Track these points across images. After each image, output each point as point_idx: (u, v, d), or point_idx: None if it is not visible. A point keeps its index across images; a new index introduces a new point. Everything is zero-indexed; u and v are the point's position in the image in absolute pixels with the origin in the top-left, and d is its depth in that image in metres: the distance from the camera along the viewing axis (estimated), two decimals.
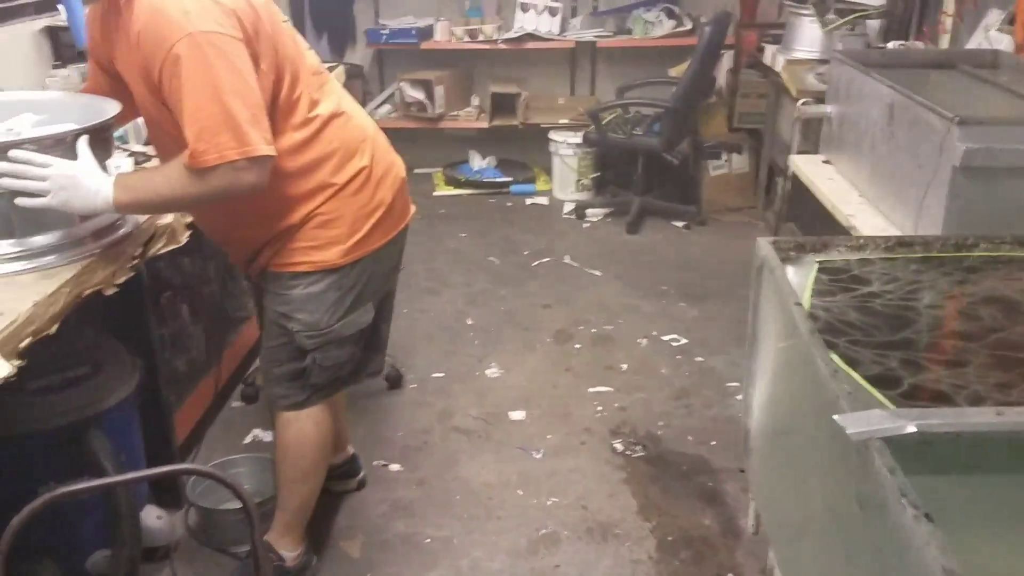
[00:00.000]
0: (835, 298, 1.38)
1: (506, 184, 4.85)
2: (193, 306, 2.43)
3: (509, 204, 4.67)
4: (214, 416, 2.57)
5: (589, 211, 4.50)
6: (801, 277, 1.48)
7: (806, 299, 1.38)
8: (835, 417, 0.97)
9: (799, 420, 1.27)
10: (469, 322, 3.30)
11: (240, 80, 1.48)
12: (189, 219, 1.87)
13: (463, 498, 2.28)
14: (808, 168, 2.73)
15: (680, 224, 4.34)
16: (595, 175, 4.72)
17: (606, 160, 4.74)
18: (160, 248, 1.78)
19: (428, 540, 2.13)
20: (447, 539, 2.13)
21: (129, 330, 2.00)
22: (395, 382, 2.81)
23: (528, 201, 4.73)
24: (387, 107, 4.99)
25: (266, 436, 2.52)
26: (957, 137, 1.84)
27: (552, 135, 4.67)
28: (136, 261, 1.72)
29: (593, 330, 3.23)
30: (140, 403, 1.98)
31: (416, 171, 5.12)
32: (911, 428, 0.94)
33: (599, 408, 2.72)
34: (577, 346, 3.12)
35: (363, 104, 5.00)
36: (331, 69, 3.86)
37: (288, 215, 1.72)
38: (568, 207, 4.57)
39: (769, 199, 4.24)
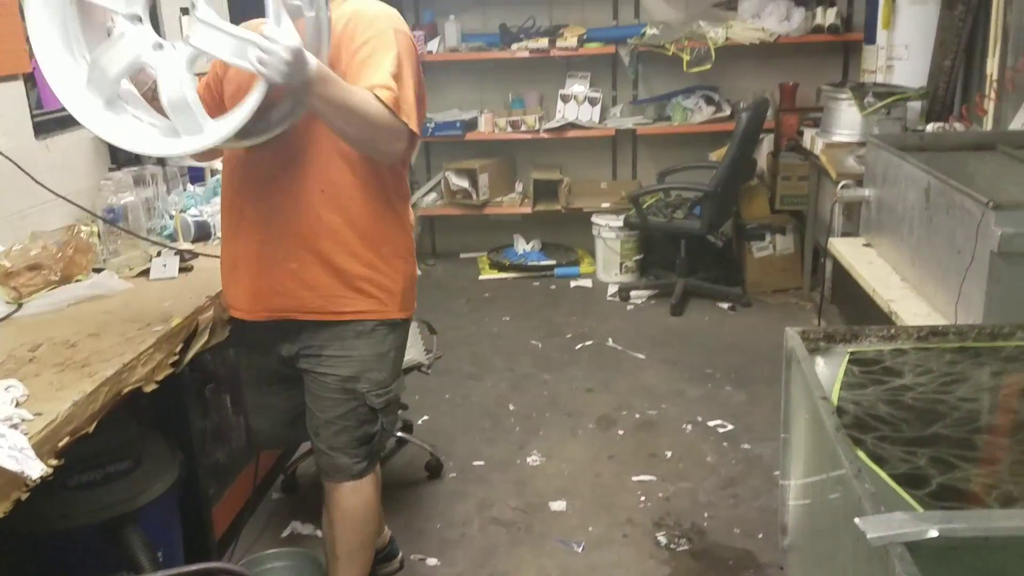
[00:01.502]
0: (865, 391, 1.34)
1: (550, 267, 4.89)
2: (235, 397, 2.48)
3: (553, 287, 4.70)
4: (254, 508, 2.59)
5: (633, 293, 4.50)
6: (832, 368, 1.45)
7: (835, 392, 1.35)
8: (856, 520, 0.94)
9: (829, 520, 1.23)
10: (511, 408, 3.29)
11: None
12: (228, 315, 1.93)
13: None
14: (849, 251, 2.70)
15: (725, 306, 4.30)
16: (639, 257, 4.73)
17: (649, 243, 4.76)
18: (203, 346, 1.84)
19: None
20: None
21: (171, 423, 2.05)
22: (435, 471, 2.80)
23: (572, 284, 4.76)
24: (433, 195, 5.12)
25: (304, 528, 2.52)
26: (993, 221, 1.81)
27: (595, 219, 4.73)
28: (177, 358, 1.78)
29: (637, 415, 3.19)
30: (180, 496, 2.01)
31: (462, 256, 5.23)
32: (933, 532, 0.90)
33: (642, 498, 2.65)
34: (620, 432, 3.07)
35: (411, 192, 5.17)
36: None
37: (380, 241, 1.78)
38: (612, 289, 4.58)
39: (815, 280, 4.18)
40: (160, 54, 1.57)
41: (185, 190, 2.73)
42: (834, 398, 1.32)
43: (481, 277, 4.88)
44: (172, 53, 1.56)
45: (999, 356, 1.43)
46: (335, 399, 1.80)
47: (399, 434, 2.95)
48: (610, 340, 3.91)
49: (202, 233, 2.42)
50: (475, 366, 3.68)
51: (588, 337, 3.96)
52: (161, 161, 2.74)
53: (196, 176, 2.91)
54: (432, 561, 2.38)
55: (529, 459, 2.90)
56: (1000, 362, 1.40)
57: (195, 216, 2.45)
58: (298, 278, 1.75)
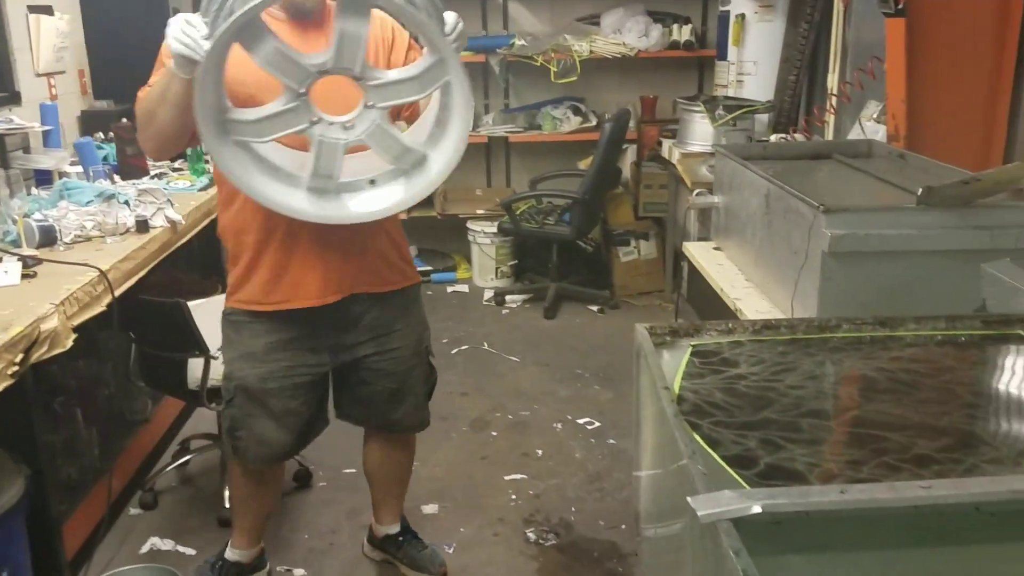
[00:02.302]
0: (704, 380, 1.43)
1: (427, 273, 4.90)
2: (87, 410, 2.36)
3: (430, 292, 4.71)
4: (110, 524, 2.47)
5: (508, 297, 4.58)
6: (676, 360, 1.54)
7: (677, 382, 1.43)
8: (688, 499, 1.01)
9: (671, 503, 1.31)
10: None
11: None
12: (76, 323, 1.84)
13: None
14: (701, 254, 2.86)
15: (595, 308, 4.44)
16: (513, 263, 4.82)
17: (524, 248, 4.86)
18: (43, 354, 1.75)
19: None
20: None
21: (15, 437, 1.93)
22: (303, 480, 2.76)
23: (449, 289, 4.79)
24: None
25: (164, 544, 2.43)
26: (824, 224, 1.97)
27: (470, 225, 4.78)
28: (17, 368, 1.68)
29: (510, 416, 3.25)
30: (27, 513, 1.90)
31: None
32: (757, 508, 0.98)
33: (514, 497, 2.71)
34: (494, 434, 3.12)
35: None
36: None
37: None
38: (488, 294, 4.64)
39: (676, 283, 4.39)
40: (319, 130, 1.66)
41: (30, 194, 2.58)
42: (675, 388, 1.41)
43: None
44: (332, 132, 1.66)
45: (826, 347, 1.55)
46: (410, 366, 2.09)
47: None
48: (486, 344, 3.96)
49: (47, 238, 2.29)
50: None
51: (464, 341, 4.00)
52: (3, 162, 2.58)
53: (43, 179, 2.76)
54: (299, 572, 2.34)
55: None
56: (826, 352, 1.53)
57: (40, 221, 2.32)
58: (380, 254, 1.96)
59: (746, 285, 2.50)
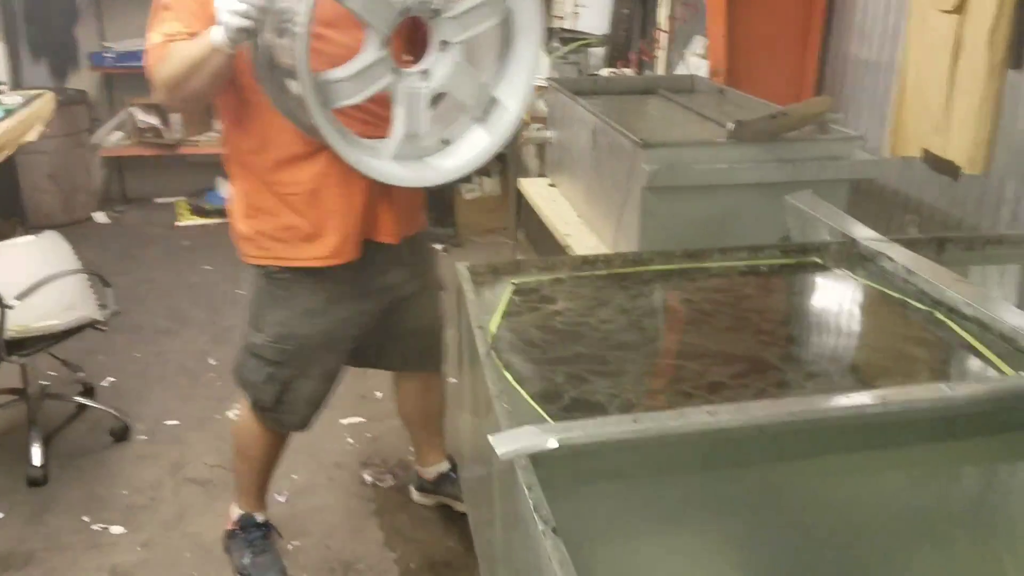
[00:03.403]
0: (522, 318, 1.43)
1: None
2: None
3: None
4: None
5: None
6: (497, 299, 1.53)
7: (495, 321, 1.42)
8: (489, 436, 1.00)
9: (484, 442, 1.30)
10: (211, 362, 3.11)
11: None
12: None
13: (193, 555, 2.12)
14: (535, 191, 2.85)
15: (439, 247, 4.38)
16: None
17: None
18: None
19: None
20: None
21: None
22: (121, 435, 2.59)
23: None
24: (119, 134, 4.63)
25: None
26: (643, 159, 2.00)
27: None
28: None
29: None
30: None
31: (157, 201, 4.82)
32: (553, 443, 0.98)
33: (350, 440, 2.66)
34: None
35: (92, 131, 4.63)
36: (38, 96, 3.53)
37: None
38: None
39: (519, 219, 4.40)
40: (401, 82, 1.56)
41: None
42: (493, 327, 1.39)
43: (179, 224, 4.53)
44: (412, 82, 1.57)
45: (639, 280, 1.58)
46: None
47: (77, 399, 2.68)
48: None
49: None
50: (171, 320, 3.43)
51: None
52: None
53: None
54: (117, 529, 2.21)
55: (230, 414, 2.77)
56: (639, 285, 1.56)
57: None
58: (415, 196, 1.91)
59: (577, 222, 2.52)
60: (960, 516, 1.00)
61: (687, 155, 2.02)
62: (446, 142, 1.69)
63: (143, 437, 2.62)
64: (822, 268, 1.62)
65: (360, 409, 2.83)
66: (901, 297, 1.46)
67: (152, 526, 2.22)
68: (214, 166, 4.88)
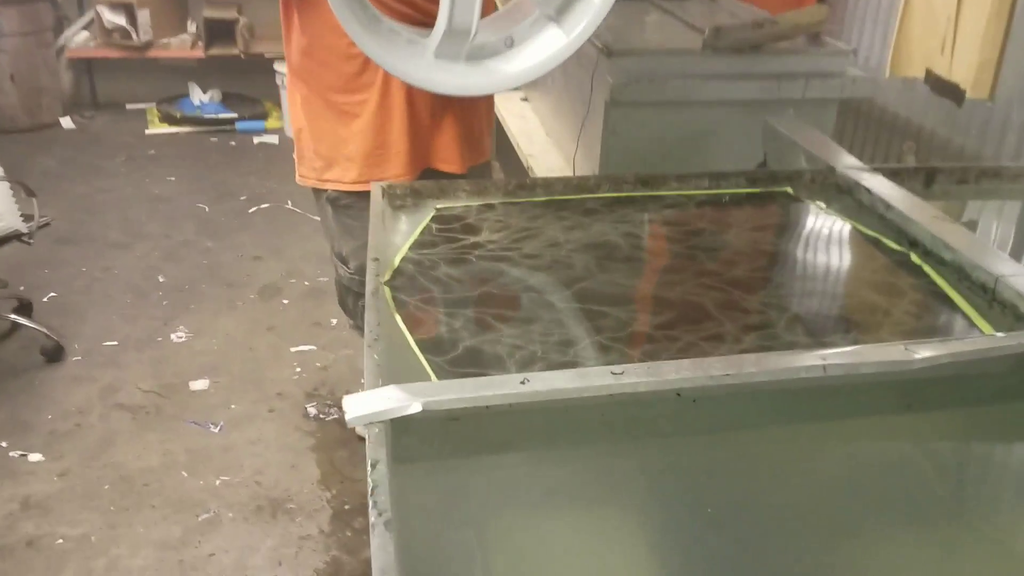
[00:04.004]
0: (435, 250, 1.24)
1: (231, 121, 4.43)
2: None
3: (234, 143, 4.27)
4: None
5: None
6: (413, 226, 1.34)
7: (403, 252, 1.23)
8: (344, 399, 0.82)
9: None
10: (161, 280, 2.95)
11: None
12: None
13: (113, 487, 2.00)
14: (505, 105, 2.62)
15: None
16: None
17: None
18: None
19: (60, 541, 1.84)
20: (84, 537, 1.85)
21: None
22: (53, 355, 2.44)
23: (256, 140, 4.35)
24: (85, 34, 4.36)
25: None
26: (607, 69, 1.77)
27: (278, 66, 4.29)
28: None
29: (306, 283, 3.00)
30: None
31: (128, 107, 4.58)
32: (416, 407, 0.81)
33: (298, 370, 2.51)
34: (285, 302, 2.88)
35: (58, 31, 4.36)
36: None
37: None
38: None
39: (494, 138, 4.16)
40: None
41: None
42: (398, 258, 1.21)
43: (148, 131, 4.30)
44: None
45: (580, 209, 1.38)
46: None
47: (12, 316, 2.53)
48: (289, 202, 3.63)
49: None
50: (125, 233, 3.25)
51: (265, 199, 3.65)
52: None
53: None
54: (35, 457, 2.08)
55: (173, 336, 2.63)
56: (580, 215, 1.36)
57: None
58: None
59: (545, 140, 2.31)
60: (905, 505, 0.83)
61: (656, 65, 1.79)
62: (510, 42, 1.40)
63: (77, 358, 2.47)
64: (792, 200, 1.42)
65: (313, 336, 2.67)
66: (875, 235, 1.26)
67: (73, 455, 2.09)
68: (188, 71, 4.64)
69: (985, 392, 0.91)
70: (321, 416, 2.31)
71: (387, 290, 1.11)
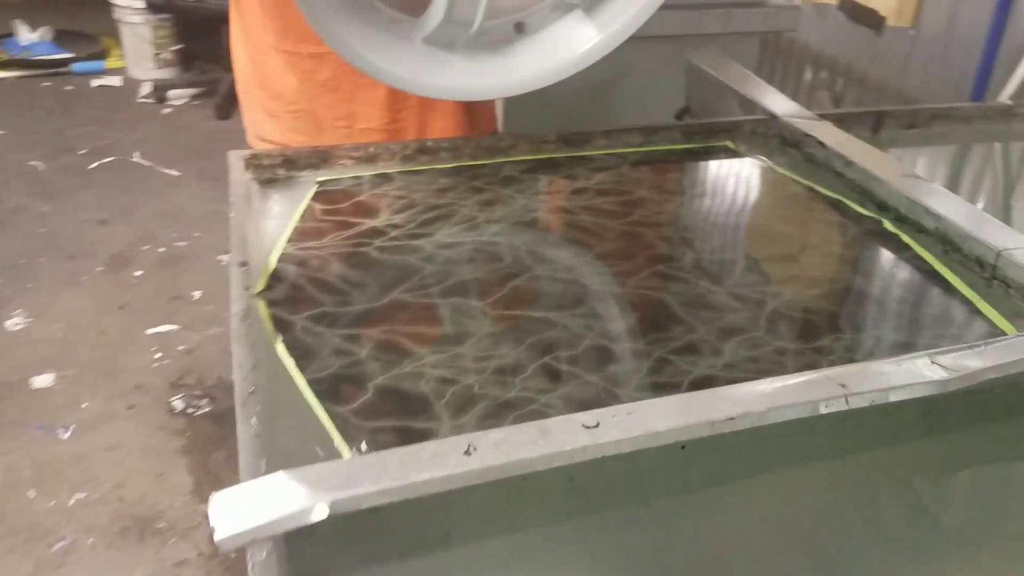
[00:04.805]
0: (321, 241, 0.98)
1: (65, 62, 3.89)
2: None
3: (69, 87, 3.74)
4: None
5: (172, 92, 3.76)
6: (291, 207, 1.07)
7: (279, 247, 0.97)
8: (211, 502, 0.58)
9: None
10: None
11: None
12: None
13: None
14: None
15: None
16: (177, 47, 3.93)
17: (189, 29, 3.95)
18: None
19: None
20: None
21: None
22: None
23: (95, 83, 3.84)
24: None
25: None
26: None
27: None
28: None
29: (161, 249, 2.64)
30: None
31: None
32: (321, 511, 0.57)
33: (158, 355, 2.19)
34: (138, 273, 2.51)
35: None
36: None
37: None
38: (146, 88, 3.78)
39: None
40: None
41: None
42: (274, 258, 0.94)
43: None
44: None
45: (496, 178, 1.15)
46: None
47: None
48: (137, 155, 3.20)
49: None
50: None
51: (109, 152, 3.20)
52: None
53: None
54: None
55: (8, 323, 2.24)
56: (496, 186, 1.13)
57: None
58: None
59: None
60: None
61: None
62: (520, 28, 1.08)
63: None
64: (734, 155, 1.24)
65: (173, 314, 2.34)
66: (837, 198, 1.10)
67: None
68: (11, 6, 4.01)
69: (1018, 404, 0.77)
70: (189, 411, 2.02)
71: (263, 306, 0.85)
